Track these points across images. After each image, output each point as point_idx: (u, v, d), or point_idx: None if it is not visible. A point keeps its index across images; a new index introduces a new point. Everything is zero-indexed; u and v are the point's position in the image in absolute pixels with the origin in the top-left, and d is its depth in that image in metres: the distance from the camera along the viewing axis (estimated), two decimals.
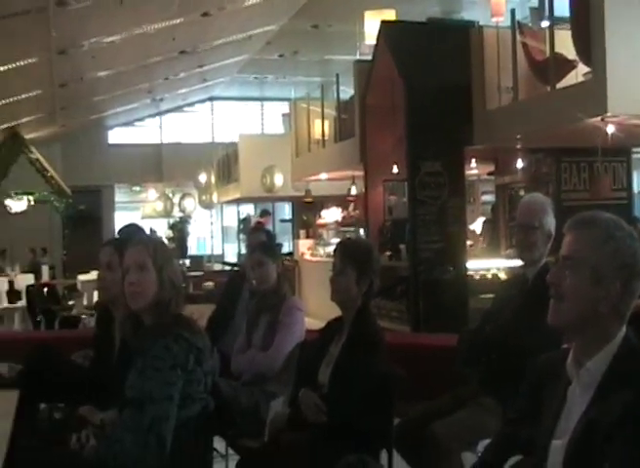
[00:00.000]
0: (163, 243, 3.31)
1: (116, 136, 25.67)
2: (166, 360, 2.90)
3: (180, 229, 22.30)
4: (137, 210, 24.97)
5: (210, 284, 14.05)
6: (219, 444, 4.06)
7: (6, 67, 13.16)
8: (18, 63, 13.33)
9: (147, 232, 6.31)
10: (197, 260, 18.93)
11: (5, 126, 18.33)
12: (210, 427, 3.14)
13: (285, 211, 24.35)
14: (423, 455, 3.74)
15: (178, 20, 13.79)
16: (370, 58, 10.81)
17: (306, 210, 19.12)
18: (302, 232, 17.89)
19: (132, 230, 4.40)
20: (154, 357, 2.91)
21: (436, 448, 3.66)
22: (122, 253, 3.28)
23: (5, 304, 15.26)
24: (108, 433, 3.03)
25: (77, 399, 3.90)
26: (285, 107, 21.26)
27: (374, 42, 10.60)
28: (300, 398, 3.58)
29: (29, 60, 13.57)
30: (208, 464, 3.21)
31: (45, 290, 15.35)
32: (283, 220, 23.59)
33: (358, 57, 13.24)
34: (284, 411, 3.80)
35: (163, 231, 21.73)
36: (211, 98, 26.19)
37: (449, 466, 3.68)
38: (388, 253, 10.07)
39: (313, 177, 15.35)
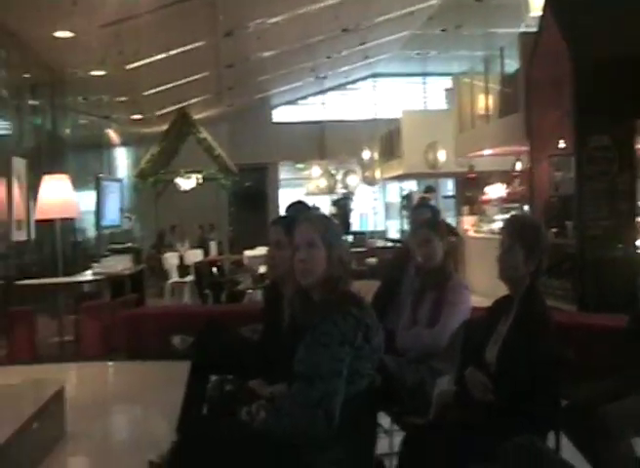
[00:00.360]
0: (332, 220, 3.34)
1: (280, 114, 26.12)
2: (334, 336, 2.93)
3: (342, 206, 22.48)
4: (300, 187, 25.31)
5: (372, 260, 14.13)
6: (383, 419, 4.10)
7: (176, 51, 13.61)
8: (187, 47, 13.76)
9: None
10: (360, 237, 19.02)
11: (175, 107, 18.96)
12: (376, 403, 3.18)
13: (448, 187, 24.16)
14: (592, 439, 3.66)
15: None
16: (535, 29, 10.54)
17: (470, 186, 18.92)
18: (466, 208, 17.71)
19: (299, 208, 4.46)
20: (323, 333, 2.96)
21: (606, 433, 3.56)
22: (291, 232, 3.33)
23: (176, 278, 15.88)
24: (277, 406, 3.10)
25: (246, 372, 4.02)
26: (448, 82, 21.06)
27: (539, 13, 10.32)
28: (466, 376, 3.56)
29: (197, 44, 13.98)
30: (372, 439, 3.23)
31: (212, 265, 15.87)
32: (446, 196, 23.40)
33: (523, 29, 12.93)
34: (450, 389, 3.79)
35: (326, 208, 21.96)
36: (373, 75, 26.22)
37: (619, 452, 3.57)
38: (554, 230, 9.84)
39: (477, 153, 15.16)
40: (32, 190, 10.41)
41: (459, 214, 18.81)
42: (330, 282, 3.11)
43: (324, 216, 3.50)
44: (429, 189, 16.38)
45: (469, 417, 3.43)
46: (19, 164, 10.44)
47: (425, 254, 4.81)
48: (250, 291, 11.61)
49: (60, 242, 10.31)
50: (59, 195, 9.59)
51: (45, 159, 12.11)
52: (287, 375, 3.18)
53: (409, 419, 4.04)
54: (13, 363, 8.73)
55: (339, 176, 23.96)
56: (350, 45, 18.94)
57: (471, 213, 17.07)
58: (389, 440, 4.47)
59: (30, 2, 9.23)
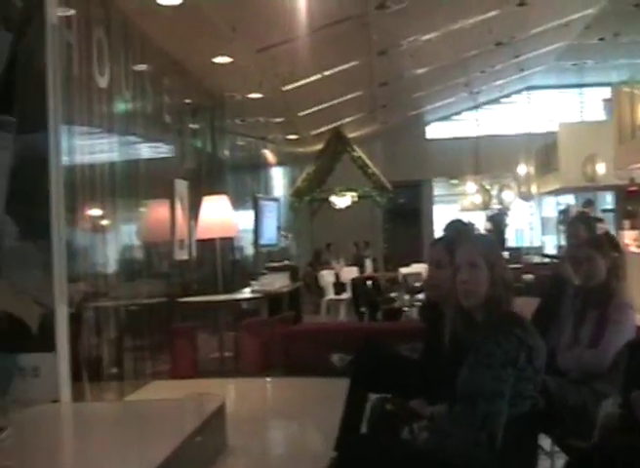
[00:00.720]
0: (493, 240, 3.33)
1: (434, 130, 26.03)
2: (497, 357, 2.92)
3: (498, 221, 22.19)
4: (454, 203, 25.14)
5: (529, 276, 13.85)
6: (544, 441, 4.02)
7: (330, 72, 13.81)
8: (341, 67, 13.94)
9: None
10: (516, 252, 18.73)
11: (330, 126, 19.23)
12: (538, 425, 3.13)
13: (607, 200, 23.47)
14: None
15: (494, 12, 13.74)
16: None
17: (631, 199, 18.33)
18: (627, 222, 17.15)
19: (458, 227, 4.43)
20: (486, 354, 2.95)
21: None
22: (451, 251, 3.33)
23: (332, 296, 16.05)
24: (439, 427, 3.11)
25: (406, 391, 4.02)
26: (606, 93, 20.49)
27: None
28: (632, 399, 3.45)
29: (351, 63, 14.14)
30: (534, 461, 3.19)
31: (368, 282, 15.94)
32: (605, 210, 22.75)
33: None
34: (615, 412, 3.68)
35: (481, 224, 21.73)
36: (528, 88, 25.79)
37: None
38: None
39: (638, 165, 14.69)
40: (193, 210, 10.75)
41: (619, 228, 18.22)
42: (492, 302, 3.10)
43: (485, 236, 3.50)
44: (588, 203, 15.96)
45: (636, 441, 3.32)
46: (181, 186, 10.81)
47: (586, 273, 4.68)
48: (406, 309, 11.58)
49: (219, 260, 10.57)
50: (218, 215, 9.86)
51: (205, 180, 12.48)
52: (447, 396, 3.17)
53: (571, 442, 3.95)
54: (175, 377, 8.98)
55: (494, 192, 23.68)
56: (504, 58, 18.73)
57: (632, 227, 16.50)
58: (550, 462, 4.38)
59: (191, 31, 9.58)
